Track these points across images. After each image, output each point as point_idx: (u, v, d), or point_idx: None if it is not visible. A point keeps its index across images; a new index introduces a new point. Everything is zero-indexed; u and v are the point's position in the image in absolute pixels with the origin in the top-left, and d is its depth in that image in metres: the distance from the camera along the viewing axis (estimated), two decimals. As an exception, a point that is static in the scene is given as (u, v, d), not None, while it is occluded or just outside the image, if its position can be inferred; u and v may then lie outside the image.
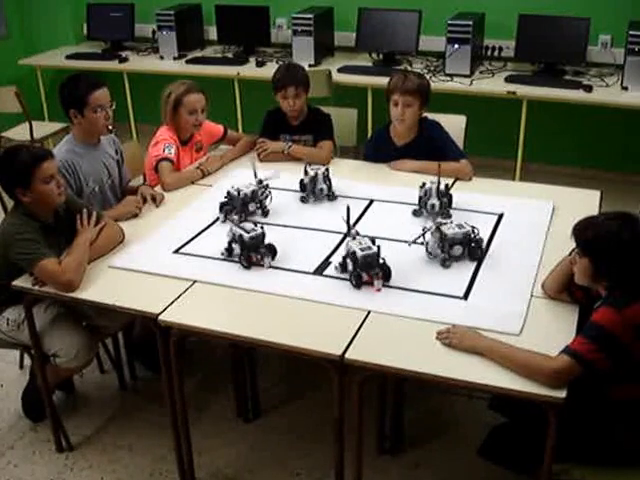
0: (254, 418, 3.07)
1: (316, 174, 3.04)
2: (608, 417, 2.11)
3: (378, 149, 3.44)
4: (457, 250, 2.51)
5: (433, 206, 2.82)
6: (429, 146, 3.30)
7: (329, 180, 3.07)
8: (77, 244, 2.59)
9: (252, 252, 2.52)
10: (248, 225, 2.57)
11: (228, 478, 2.79)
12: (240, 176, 3.20)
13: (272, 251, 2.55)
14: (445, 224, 2.54)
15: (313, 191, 3.05)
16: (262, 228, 2.55)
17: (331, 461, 2.36)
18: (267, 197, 2.94)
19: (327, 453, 2.46)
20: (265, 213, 2.93)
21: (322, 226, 2.84)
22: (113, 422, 3.08)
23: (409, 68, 4.79)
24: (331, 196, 3.06)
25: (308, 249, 2.66)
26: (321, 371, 2.17)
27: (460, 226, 2.54)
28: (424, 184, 2.86)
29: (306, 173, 3.07)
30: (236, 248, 2.56)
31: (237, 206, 2.87)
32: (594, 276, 2.09)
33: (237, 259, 2.56)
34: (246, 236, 2.51)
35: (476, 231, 2.54)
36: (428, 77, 3.99)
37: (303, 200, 3.06)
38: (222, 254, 2.60)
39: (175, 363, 2.42)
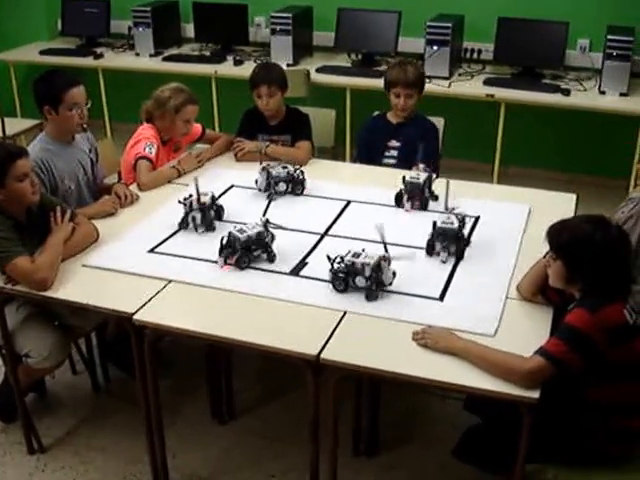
0: (229, 420, 3.05)
1: (272, 173, 3.06)
2: (582, 418, 2.12)
3: (374, 130, 3.60)
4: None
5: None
6: (422, 133, 3.48)
7: (301, 180, 3.08)
8: (51, 242, 2.55)
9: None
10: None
11: (202, 480, 2.78)
12: (220, 176, 3.18)
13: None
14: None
15: (272, 188, 3.07)
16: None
17: (306, 463, 2.35)
18: (273, 240, 2.60)
19: (302, 455, 2.45)
20: (272, 259, 2.58)
21: (298, 226, 2.82)
22: (86, 424, 3.05)
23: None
24: (300, 193, 3.08)
25: (284, 250, 2.65)
26: (297, 372, 2.16)
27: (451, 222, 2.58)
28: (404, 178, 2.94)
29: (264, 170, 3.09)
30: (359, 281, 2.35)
31: (238, 250, 2.53)
32: (568, 279, 2.10)
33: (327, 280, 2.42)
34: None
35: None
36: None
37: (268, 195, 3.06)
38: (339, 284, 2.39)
39: (149, 363, 2.39)
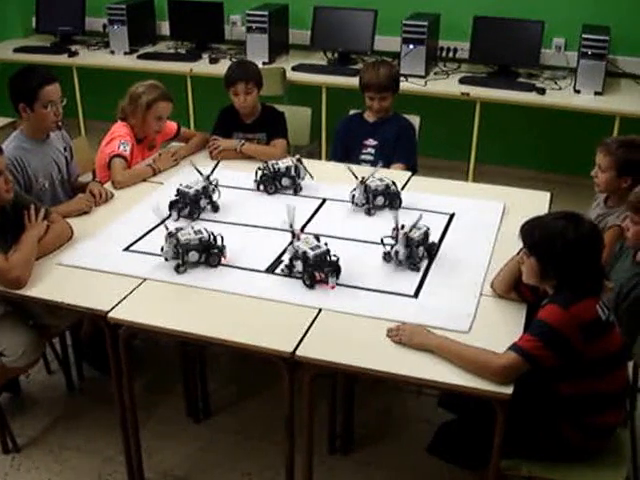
0: (204, 418, 3.04)
1: (279, 168, 3.07)
2: (555, 413, 2.14)
3: (350, 129, 3.63)
4: (379, 200, 2.82)
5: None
6: (399, 132, 3.53)
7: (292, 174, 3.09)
8: (25, 240, 2.53)
9: (316, 270, 2.37)
10: (311, 240, 2.41)
11: (178, 479, 2.76)
12: (192, 174, 3.16)
13: (337, 269, 2.39)
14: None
15: (274, 184, 3.08)
16: (325, 244, 2.40)
17: (282, 460, 2.36)
18: (215, 192, 2.92)
19: (278, 453, 2.45)
20: (215, 208, 2.92)
21: (274, 224, 2.82)
22: (60, 423, 3.02)
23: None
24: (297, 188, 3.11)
25: (260, 247, 2.65)
26: (272, 370, 2.16)
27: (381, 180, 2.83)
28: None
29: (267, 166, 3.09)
30: (297, 265, 2.40)
31: (189, 203, 2.85)
32: (541, 275, 2.12)
33: (299, 276, 2.41)
34: (311, 254, 2.36)
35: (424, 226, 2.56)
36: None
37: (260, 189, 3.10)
38: (282, 270, 2.46)
39: (124, 361, 2.38)
